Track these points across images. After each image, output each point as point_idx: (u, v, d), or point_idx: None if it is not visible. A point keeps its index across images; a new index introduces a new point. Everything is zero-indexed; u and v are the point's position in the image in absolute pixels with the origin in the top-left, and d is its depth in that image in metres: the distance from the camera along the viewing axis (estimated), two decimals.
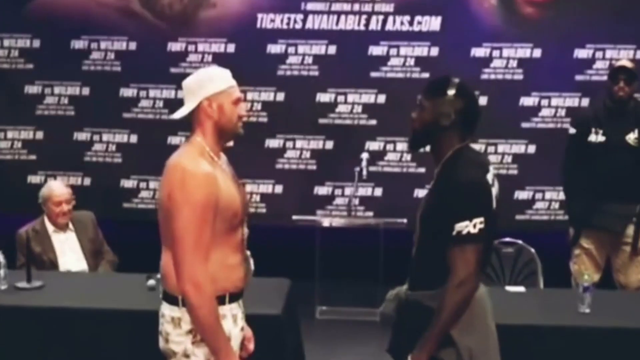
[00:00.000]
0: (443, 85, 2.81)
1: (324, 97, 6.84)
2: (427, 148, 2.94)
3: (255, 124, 6.73)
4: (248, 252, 3.00)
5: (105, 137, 7.11)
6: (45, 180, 6.83)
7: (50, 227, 5.18)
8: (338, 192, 6.79)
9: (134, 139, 7.09)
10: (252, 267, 3.09)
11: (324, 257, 5.60)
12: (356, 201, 6.53)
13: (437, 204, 2.74)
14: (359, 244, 5.88)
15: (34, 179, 7.11)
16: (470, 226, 2.64)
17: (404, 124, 3.08)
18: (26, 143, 7.18)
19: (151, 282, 4.24)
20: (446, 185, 2.72)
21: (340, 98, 6.82)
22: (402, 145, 6.71)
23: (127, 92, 7.00)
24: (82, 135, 7.12)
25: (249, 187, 6.76)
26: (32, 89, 7.16)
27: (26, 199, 5.84)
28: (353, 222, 5.99)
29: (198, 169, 2.64)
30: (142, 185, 7.00)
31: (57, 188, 5.23)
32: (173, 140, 6.83)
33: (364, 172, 5.66)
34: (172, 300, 2.75)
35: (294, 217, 5.86)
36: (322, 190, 6.90)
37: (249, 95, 6.82)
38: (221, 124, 2.78)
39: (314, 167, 6.89)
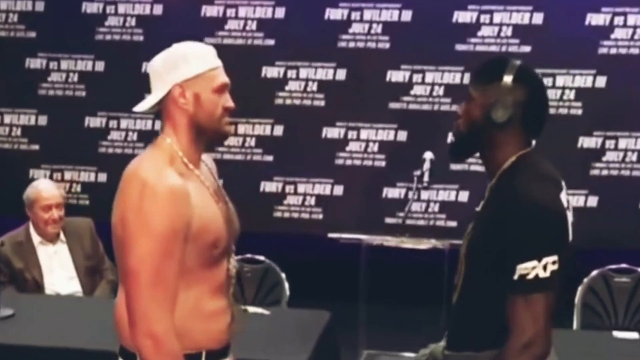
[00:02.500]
0: (498, 69, 2.66)
1: (396, 76, 6.70)
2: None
3: (310, 109, 6.70)
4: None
5: (123, 124, 7.02)
6: (50, 175, 6.88)
7: (36, 238, 5.10)
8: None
9: (158, 125, 6.61)
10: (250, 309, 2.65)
11: (371, 280, 5.30)
12: (422, 205, 6.44)
13: (490, 234, 2.59)
14: (418, 263, 5.57)
15: (37, 173, 7.02)
16: (539, 268, 2.50)
17: None
18: (27, 130, 7.11)
19: None
20: (504, 208, 2.56)
21: (417, 77, 6.69)
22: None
23: None
24: (95, 121, 7.05)
25: (301, 187, 6.74)
26: (35, 63, 7.06)
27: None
28: (405, 243, 5.42)
29: (162, 183, 2.47)
30: None
31: (46, 189, 5.14)
32: None
33: (426, 177, 5.11)
34: (128, 357, 2.60)
35: (332, 235, 5.52)
36: (392, 193, 6.76)
37: (302, 73, 6.74)
38: (198, 120, 2.60)
39: (383, 164, 6.75)
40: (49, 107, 7.05)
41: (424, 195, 6.58)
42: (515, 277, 2.53)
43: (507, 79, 2.63)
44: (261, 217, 6.69)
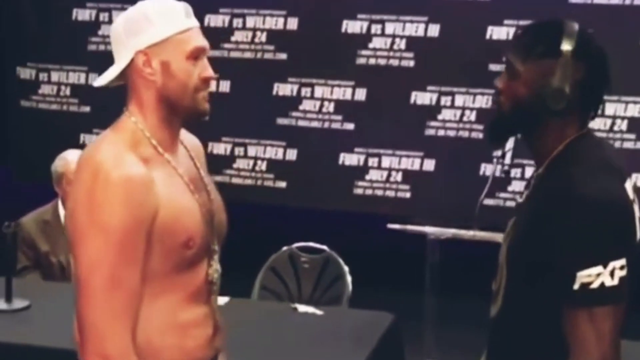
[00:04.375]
0: (553, 37, 2.49)
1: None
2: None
3: (396, 70, 6.57)
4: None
5: None
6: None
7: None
8: (517, 172, 6.33)
9: (224, 86, 6.95)
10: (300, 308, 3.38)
11: (440, 276, 5.23)
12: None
13: (538, 235, 2.45)
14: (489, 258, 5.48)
15: (87, 138, 7.06)
16: (605, 275, 2.38)
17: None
18: (77, 89, 7.10)
19: None
20: (557, 204, 2.43)
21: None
22: (613, 108, 6.29)
23: None
24: None
25: (386, 160, 6.67)
26: (84, 15, 7.05)
27: None
28: (477, 235, 5.37)
29: (117, 170, 2.38)
30: (239, 151, 6.97)
31: (76, 161, 4.79)
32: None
33: (507, 159, 4.77)
34: None
35: (391, 226, 5.48)
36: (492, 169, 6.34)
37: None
38: (168, 93, 2.49)
39: (480, 135, 6.50)
40: (101, 64, 6.93)
41: (529, 171, 6.25)
42: (576, 286, 2.40)
43: (566, 52, 2.47)
44: (340, 194, 6.69)
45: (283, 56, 6.76)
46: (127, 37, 2.47)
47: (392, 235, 5.43)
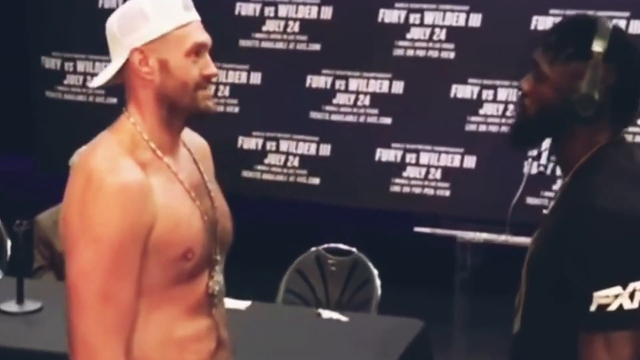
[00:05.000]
0: (583, 38, 2.42)
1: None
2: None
3: (436, 62, 6.56)
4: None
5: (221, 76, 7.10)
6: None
7: None
8: None
9: (255, 78, 7.00)
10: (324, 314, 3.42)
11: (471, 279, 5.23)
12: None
13: (556, 249, 2.41)
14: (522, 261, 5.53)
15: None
16: (624, 297, 2.32)
17: None
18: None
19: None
20: (576, 217, 2.38)
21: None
22: None
23: None
24: None
25: (425, 157, 6.64)
26: (110, 2, 7.13)
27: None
28: (510, 240, 5.36)
29: (112, 177, 2.36)
30: (270, 146, 6.95)
31: None
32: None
33: (543, 159, 4.67)
34: None
35: (418, 230, 5.53)
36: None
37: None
38: (167, 93, 2.45)
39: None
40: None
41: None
42: (593, 308, 2.34)
43: (597, 53, 2.39)
44: (375, 191, 6.68)
45: (316, 47, 6.75)
46: (122, 34, 2.44)
47: (424, 236, 5.39)
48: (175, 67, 2.41)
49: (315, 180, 6.76)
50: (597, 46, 2.41)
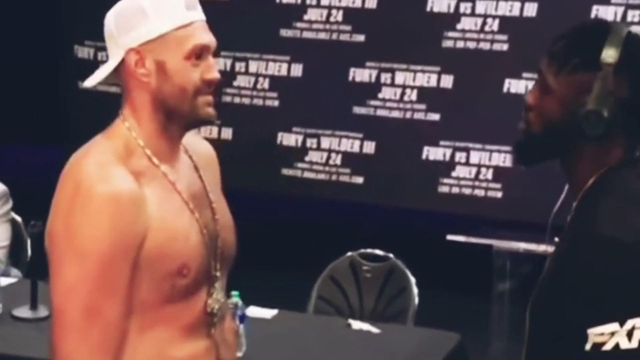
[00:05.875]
0: (592, 47, 2.31)
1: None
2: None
3: (487, 55, 6.54)
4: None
5: (252, 67, 7.14)
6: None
7: None
8: None
9: (296, 70, 7.01)
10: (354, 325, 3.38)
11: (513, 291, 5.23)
12: None
13: (556, 280, 2.35)
14: None
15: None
16: (621, 335, 2.25)
17: None
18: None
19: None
20: (574, 242, 2.33)
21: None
22: None
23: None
24: (219, 62, 6.80)
25: (475, 155, 6.62)
26: None
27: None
28: (550, 250, 5.11)
29: (101, 186, 2.33)
30: (311, 142, 6.97)
31: None
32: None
33: None
34: None
35: (451, 238, 5.51)
36: None
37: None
38: (164, 97, 2.42)
39: None
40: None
41: None
42: (588, 347, 2.26)
43: (607, 64, 2.27)
44: (422, 192, 6.66)
45: (361, 38, 6.73)
46: (119, 32, 2.40)
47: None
48: (174, 70, 2.38)
49: (359, 180, 6.73)
50: (607, 56, 2.30)
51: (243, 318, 3.87)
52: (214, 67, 2.41)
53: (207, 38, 2.39)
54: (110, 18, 2.43)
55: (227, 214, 2.56)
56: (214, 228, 2.49)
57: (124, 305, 2.36)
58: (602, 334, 2.25)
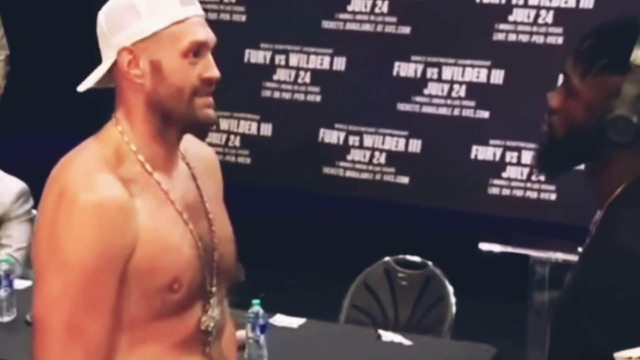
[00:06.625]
0: (621, 45, 2.26)
1: None
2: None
3: (540, 49, 6.44)
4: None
5: (293, 60, 7.14)
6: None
7: None
8: None
9: (339, 64, 6.85)
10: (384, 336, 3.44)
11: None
12: None
13: (580, 298, 2.30)
14: None
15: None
16: None
17: None
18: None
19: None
20: (599, 259, 2.28)
21: None
22: None
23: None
24: (257, 56, 7.25)
25: (527, 155, 6.46)
26: None
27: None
28: None
29: (87, 194, 2.29)
30: (354, 140, 6.94)
31: None
32: None
33: None
34: None
35: (483, 246, 5.32)
36: None
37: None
38: (160, 99, 2.37)
39: None
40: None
41: None
42: None
43: (637, 67, 2.22)
44: (471, 193, 6.61)
45: (406, 30, 6.68)
46: (111, 31, 2.36)
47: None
48: (170, 69, 2.34)
49: (404, 180, 6.68)
50: (638, 57, 2.24)
51: (264, 328, 3.82)
52: (213, 65, 2.36)
53: (205, 34, 2.34)
54: (102, 17, 2.40)
55: (225, 226, 2.52)
56: (210, 240, 2.45)
57: (110, 320, 2.32)
58: (629, 359, 2.21)
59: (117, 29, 2.36)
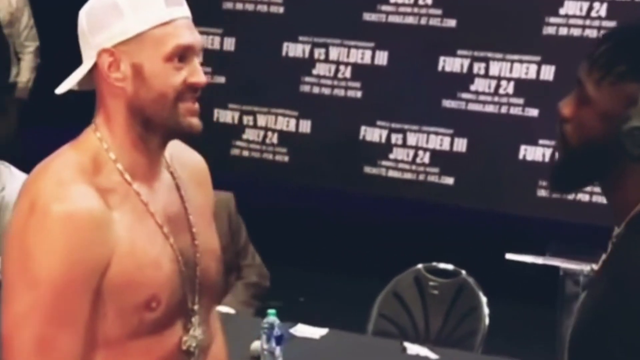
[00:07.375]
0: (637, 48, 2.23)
1: None
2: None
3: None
4: None
5: (334, 54, 7.11)
6: (239, 119, 7.10)
7: None
8: None
9: (381, 58, 6.80)
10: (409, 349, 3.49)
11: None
12: None
13: (600, 320, 2.25)
14: None
15: (222, 114, 7.25)
16: None
17: None
18: (209, 55, 7.12)
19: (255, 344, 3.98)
20: (620, 279, 2.24)
21: None
22: None
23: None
24: (296, 49, 7.24)
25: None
26: None
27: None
28: None
29: (62, 204, 2.24)
30: (396, 138, 6.89)
31: None
32: None
33: None
34: None
35: (510, 257, 5.23)
36: None
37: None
38: (141, 105, 2.33)
39: None
40: (237, 27, 7.35)
41: None
42: None
43: None
44: (519, 196, 6.54)
45: (452, 23, 6.63)
46: (91, 31, 2.32)
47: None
48: (152, 73, 2.29)
49: (449, 180, 6.62)
50: None
51: (280, 339, 3.76)
52: (199, 70, 2.32)
53: (191, 37, 2.29)
54: (82, 15, 2.35)
55: (211, 240, 2.48)
56: (193, 255, 2.41)
57: (83, 335, 2.28)
58: None
59: (97, 29, 2.32)
